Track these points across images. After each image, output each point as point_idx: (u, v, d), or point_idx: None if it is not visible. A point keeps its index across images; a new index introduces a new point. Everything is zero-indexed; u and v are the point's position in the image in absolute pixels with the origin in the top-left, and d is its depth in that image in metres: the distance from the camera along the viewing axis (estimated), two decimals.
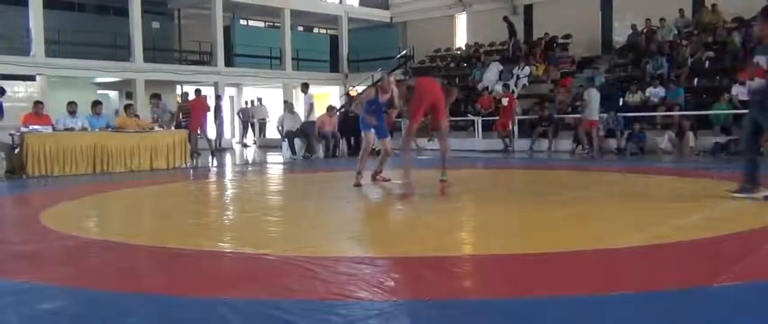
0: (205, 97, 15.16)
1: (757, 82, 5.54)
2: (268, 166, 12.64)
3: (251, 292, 2.96)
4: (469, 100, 17.27)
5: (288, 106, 15.80)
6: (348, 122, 15.13)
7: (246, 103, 22.63)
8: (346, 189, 7.43)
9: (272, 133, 21.23)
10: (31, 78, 17.37)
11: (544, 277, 3.20)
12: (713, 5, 16.85)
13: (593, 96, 12.74)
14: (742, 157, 6.07)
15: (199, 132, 13.58)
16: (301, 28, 26.62)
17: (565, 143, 14.00)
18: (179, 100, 14.43)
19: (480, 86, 17.95)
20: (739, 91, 12.65)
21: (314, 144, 13.47)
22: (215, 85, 20.64)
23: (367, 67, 23.91)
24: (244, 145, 20.24)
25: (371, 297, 2.80)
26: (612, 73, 16.85)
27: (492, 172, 10.56)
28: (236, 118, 22.40)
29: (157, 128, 11.65)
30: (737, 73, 13.01)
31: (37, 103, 10.99)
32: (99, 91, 20.21)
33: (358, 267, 3.41)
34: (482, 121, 15.77)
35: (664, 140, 12.15)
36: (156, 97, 13.26)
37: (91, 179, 9.33)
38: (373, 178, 7.78)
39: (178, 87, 21.47)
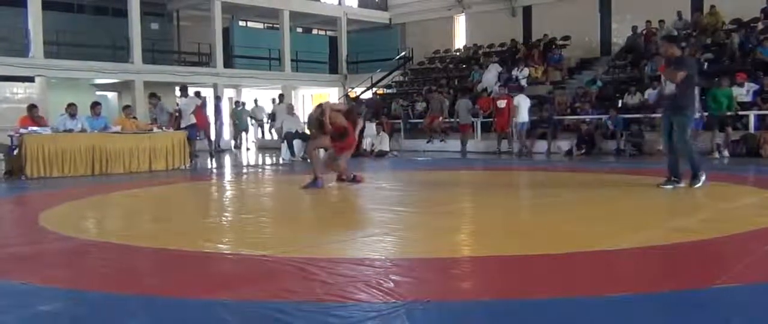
0: (204, 99, 15.18)
1: (669, 88, 6.60)
2: (267, 167, 12.64)
3: (250, 293, 2.96)
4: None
5: (288, 107, 15.84)
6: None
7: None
8: (345, 190, 7.43)
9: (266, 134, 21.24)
10: (30, 79, 17.36)
11: (543, 278, 3.20)
12: (712, 7, 16.88)
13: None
14: (666, 154, 7.05)
15: (199, 136, 13.57)
16: (300, 30, 26.65)
17: (566, 145, 14.00)
18: (178, 102, 14.39)
19: (479, 87, 17.97)
20: (738, 93, 12.67)
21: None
22: (214, 86, 20.66)
23: (366, 69, 23.94)
24: (237, 147, 20.16)
25: (370, 298, 2.80)
26: (610, 75, 16.89)
27: (490, 173, 10.56)
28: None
29: (155, 130, 11.62)
30: (736, 75, 13.02)
31: (32, 107, 10.92)
32: (98, 93, 20.21)
33: (356, 268, 3.41)
34: (481, 122, 15.82)
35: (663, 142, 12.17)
36: (154, 96, 13.22)
37: (89, 181, 9.32)
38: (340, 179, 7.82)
39: (176, 88, 21.46)
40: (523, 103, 13.85)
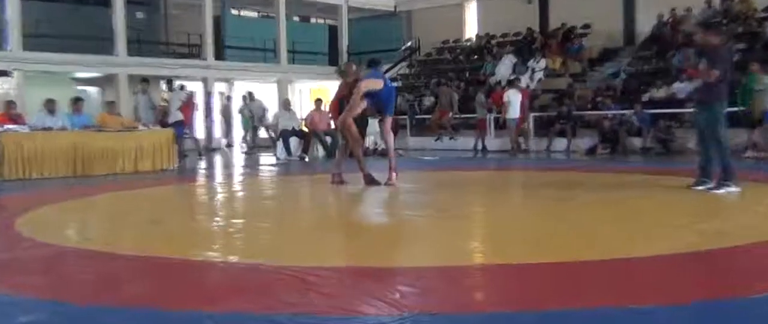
0: (192, 94, 15.17)
1: (696, 82, 6.66)
2: (262, 167, 12.65)
3: (242, 305, 2.96)
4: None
5: (284, 103, 15.85)
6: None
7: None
8: (346, 193, 7.42)
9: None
10: (7, 74, 17.42)
11: (559, 289, 3.18)
12: None
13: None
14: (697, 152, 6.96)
15: (186, 131, 13.57)
16: (297, 18, 26.64)
17: (586, 143, 13.95)
18: (163, 96, 14.39)
19: (492, 80, 17.94)
20: None
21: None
22: (204, 80, 20.66)
23: None
24: (229, 145, 20.15)
25: (374, 311, 2.79)
26: (634, 66, 16.85)
27: (505, 173, 10.55)
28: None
29: (141, 127, 11.64)
30: None
31: (9, 103, 10.98)
32: (78, 87, 20.23)
33: (359, 278, 3.40)
34: (494, 118, 15.80)
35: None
36: (145, 82, 13.20)
37: (71, 182, 9.34)
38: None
39: (162, 82, 21.51)
40: (513, 98, 14.15)
